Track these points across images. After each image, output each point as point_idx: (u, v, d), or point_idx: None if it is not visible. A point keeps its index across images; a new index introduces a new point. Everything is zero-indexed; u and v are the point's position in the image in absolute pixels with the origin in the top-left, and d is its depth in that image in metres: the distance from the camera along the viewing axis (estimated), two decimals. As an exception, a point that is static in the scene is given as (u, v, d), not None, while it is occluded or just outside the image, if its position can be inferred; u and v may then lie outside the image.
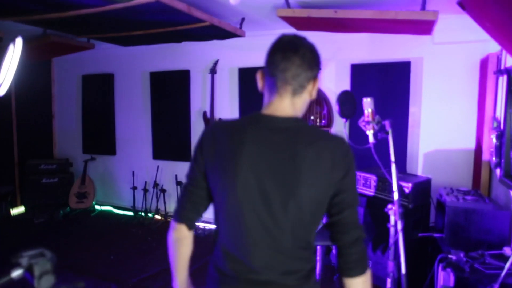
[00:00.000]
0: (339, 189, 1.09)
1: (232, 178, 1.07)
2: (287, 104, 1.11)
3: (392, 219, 1.89)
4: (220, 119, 4.68)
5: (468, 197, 2.68)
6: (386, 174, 2.12)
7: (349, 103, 2.03)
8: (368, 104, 1.94)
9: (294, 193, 1.05)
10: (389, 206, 1.86)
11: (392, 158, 1.92)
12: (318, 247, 2.71)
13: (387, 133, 1.90)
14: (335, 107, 4.18)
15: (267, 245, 1.09)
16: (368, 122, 1.92)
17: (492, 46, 3.31)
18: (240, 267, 1.12)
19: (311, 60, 1.10)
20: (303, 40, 1.13)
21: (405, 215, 3.08)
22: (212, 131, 1.16)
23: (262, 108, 1.16)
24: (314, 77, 1.13)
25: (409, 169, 3.80)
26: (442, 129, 3.69)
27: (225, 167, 1.09)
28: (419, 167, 3.79)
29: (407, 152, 3.79)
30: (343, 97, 2.01)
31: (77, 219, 5.10)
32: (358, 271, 1.14)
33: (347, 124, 4.02)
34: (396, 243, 1.90)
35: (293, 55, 1.08)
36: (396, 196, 1.86)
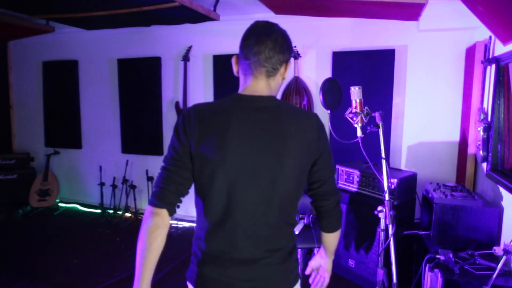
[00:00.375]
0: (317, 160, 1.19)
1: (222, 156, 1.10)
2: (263, 85, 1.17)
3: (382, 222, 1.69)
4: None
5: (457, 194, 2.54)
6: (374, 170, 1.92)
7: (334, 93, 1.81)
8: (356, 94, 1.72)
9: (282, 166, 1.11)
10: (379, 208, 1.66)
11: (383, 153, 1.71)
12: (299, 250, 2.51)
13: (377, 126, 1.69)
14: (317, 97, 4.02)
15: (254, 222, 1.13)
16: (356, 114, 1.70)
17: (479, 34, 3.16)
18: (224, 246, 1.13)
19: (283, 44, 1.16)
20: (275, 25, 1.19)
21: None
22: (195, 112, 1.16)
23: (238, 90, 1.20)
24: (286, 61, 1.19)
25: (392, 162, 3.65)
26: (426, 121, 3.55)
27: (213, 146, 1.10)
28: (402, 161, 3.64)
29: (390, 145, 3.63)
30: (328, 86, 1.79)
31: (38, 219, 4.71)
32: (337, 228, 1.32)
33: (328, 116, 3.89)
34: (387, 248, 1.70)
35: (266, 39, 1.13)
36: (387, 197, 1.66)
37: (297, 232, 2.50)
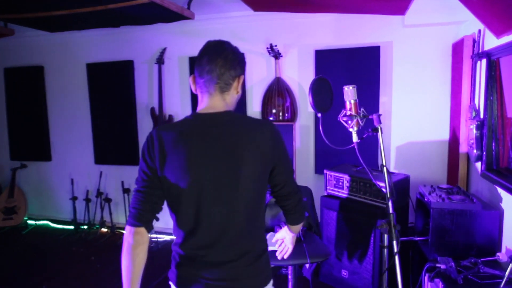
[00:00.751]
0: (275, 165, 1.28)
1: (185, 173, 1.20)
2: (218, 101, 1.27)
3: (385, 238, 1.50)
4: (170, 115, 4.12)
5: (454, 197, 2.39)
6: (372, 178, 1.73)
7: (325, 93, 1.62)
8: (350, 94, 1.53)
9: (240, 176, 1.20)
10: (380, 222, 1.47)
11: (383, 160, 1.53)
12: (290, 266, 2.31)
13: (375, 130, 1.50)
14: (300, 98, 3.84)
15: (222, 229, 1.22)
16: (351, 117, 1.51)
17: (466, 29, 3.05)
18: (197, 251, 1.24)
19: (233, 61, 1.25)
20: (226, 43, 1.29)
21: (383, 217, 2.76)
22: (157, 135, 1.24)
23: (197, 109, 1.30)
24: (238, 75, 1.28)
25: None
26: (414, 120, 3.42)
27: (176, 167, 1.20)
28: (391, 162, 3.50)
29: (378, 146, 3.47)
30: (317, 86, 1.59)
31: (4, 239, 4.33)
32: (300, 221, 1.48)
33: (314, 118, 3.68)
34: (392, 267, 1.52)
35: (217, 57, 1.23)
36: (390, 208, 1.47)
37: (287, 247, 2.29)
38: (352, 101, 1.53)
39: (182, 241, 1.27)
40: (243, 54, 1.33)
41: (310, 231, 2.62)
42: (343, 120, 1.53)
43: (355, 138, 1.56)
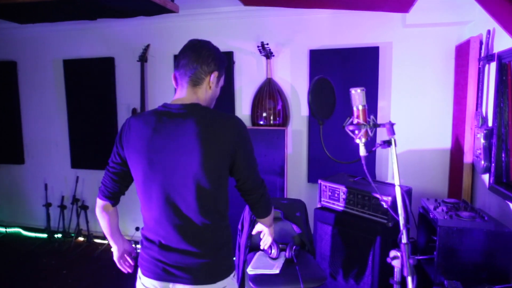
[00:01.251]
0: (236, 160, 1.32)
1: (142, 159, 1.29)
2: (188, 93, 1.34)
3: (397, 272, 1.25)
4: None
5: (462, 213, 2.16)
6: (379, 196, 1.48)
7: (327, 97, 1.37)
8: (357, 98, 1.28)
9: (192, 166, 1.25)
10: (392, 254, 1.22)
11: (397, 180, 1.28)
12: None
13: (388, 142, 1.25)
14: (293, 101, 3.58)
15: (178, 216, 1.30)
16: (358, 126, 1.26)
17: (471, 29, 2.85)
18: (159, 236, 1.33)
19: (207, 56, 1.32)
20: (205, 41, 1.37)
21: (383, 234, 2.53)
22: (128, 121, 1.36)
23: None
24: (211, 71, 1.34)
25: (378, 174, 3.28)
26: (415, 126, 3.20)
27: (138, 151, 1.30)
28: (389, 172, 3.27)
29: (376, 155, 3.26)
30: (318, 88, 1.34)
31: (-31, 249, 3.98)
32: (266, 214, 1.57)
33: (307, 123, 3.41)
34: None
35: (191, 52, 1.32)
36: (404, 238, 1.22)
37: (277, 271, 2.04)
38: (360, 107, 1.28)
39: (145, 225, 1.38)
40: (221, 53, 1.39)
41: (304, 249, 2.36)
42: (349, 130, 1.28)
43: (362, 152, 1.31)
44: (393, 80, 3.21)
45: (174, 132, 1.26)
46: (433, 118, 3.15)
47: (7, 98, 4.30)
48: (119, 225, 1.52)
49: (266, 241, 1.77)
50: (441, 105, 3.13)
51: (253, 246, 2.31)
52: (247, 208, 2.26)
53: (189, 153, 1.24)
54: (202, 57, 1.30)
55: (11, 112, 4.32)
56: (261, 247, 1.81)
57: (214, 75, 1.34)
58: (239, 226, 2.37)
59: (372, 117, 1.31)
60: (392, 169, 3.25)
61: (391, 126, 1.25)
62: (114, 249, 1.55)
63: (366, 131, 1.28)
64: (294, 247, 2.14)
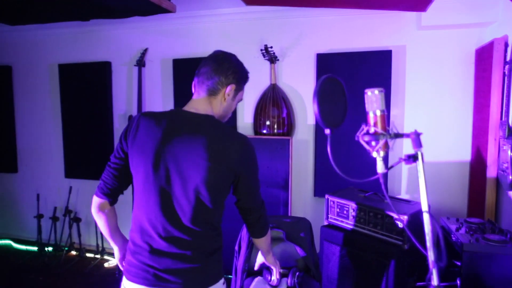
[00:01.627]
0: (239, 180, 1.32)
1: (147, 160, 1.25)
2: (204, 103, 1.34)
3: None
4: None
5: (490, 236, 1.90)
6: (391, 207, 1.24)
7: (337, 101, 1.14)
8: (375, 101, 1.04)
9: (196, 179, 1.23)
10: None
11: (425, 204, 1.03)
12: None
13: (414, 158, 1.01)
14: (298, 108, 3.35)
15: (172, 222, 1.27)
16: (375, 137, 1.02)
17: (493, 31, 2.60)
18: (150, 239, 1.29)
19: (228, 69, 1.33)
20: (228, 54, 1.39)
21: (398, 257, 2.27)
22: (138, 119, 1.31)
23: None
24: (229, 83, 1.34)
25: (391, 189, 3.01)
26: (430, 137, 2.91)
27: (143, 151, 1.26)
28: (402, 186, 3.01)
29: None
30: (326, 89, 1.11)
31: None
32: (261, 235, 1.53)
33: (314, 132, 3.16)
34: None
35: (212, 62, 1.34)
36: (435, 280, 0.97)
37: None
38: (378, 112, 1.04)
39: (135, 228, 1.32)
40: (244, 69, 1.41)
41: (308, 274, 2.10)
42: (364, 141, 1.05)
43: (380, 168, 1.07)
44: (406, 86, 2.97)
45: (184, 140, 1.24)
46: (451, 128, 2.89)
47: (1, 104, 4.14)
48: (118, 225, 1.46)
49: (274, 274, 1.74)
50: (459, 114, 2.87)
51: (251, 270, 2.06)
52: (244, 228, 2.02)
53: (195, 166, 1.23)
54: (222, 68, 1.31)
55: (5, 118, 4.16)
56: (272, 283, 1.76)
57: (231, 87, 1.34)
58: (236, 247, 2.12)
59: (393, 125, 1.07)
60: (405, 183, 3.00)
61: (417, 136, 1.01)
62: (116, 250, 1.50)
63: (386, 143, 1.04)
64: (297, 273, 1.88)
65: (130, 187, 1.43)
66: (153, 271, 1.27)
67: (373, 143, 1.03)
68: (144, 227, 1.29)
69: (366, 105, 1.05)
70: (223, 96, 1.34)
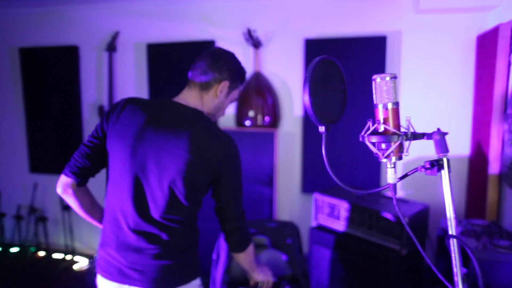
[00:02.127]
0: (219, 180, 1.25)
1: (125, 146, 1.20)
2: (194, 96, 1.30)
3: None
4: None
5: (499, 242, 1.70)
6: (398, 213, 1.01)
7: (333, 90, 0.89)
8: (385, 91, 0.78)
9: (170, 169, 1.18)
10: None
11: (452, 228, 0.79)
12: None
13: (439, 165, 0.77)
14: (284, 98, 3.09)
15: (142, 214, 1.21)
16: (386, 138, 0.77)
17: (497, 16, 2.39)
18: (119, 231, 1.23)
19: (222, 66, 1.30)
20: (226, 52, 1.35)
21: (395, 263, 2.06)
22: (124, 102, 1.26)
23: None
24: (222, 80, 1.30)
25: (383, 183, 2.80)
26: (426, 130, 2.72)
27: (123, 136, 1.21)
28: (398, 183, 2.79)
29: (381, 163, 2.78)
30: (320, 74, 0.85)
31: None
32: (238, 250, 1.36)
33: (301, 124, 2.91)
34: None
35: (208, 58, 1.30)
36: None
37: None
38: (390, 106, 0.79)
39: (106, 221, 1.27)
40: (241, 68, 1.35)
41: (296, 285, 1.87)
42: (371, 142, 0.80)
43: (391, 178, 0.83)
44: (402, 75, 2.75)
45: (168, 131, 1.19)
46: (449, 121, 2.68)
47: (-43, 92, 3.74)
48: (96, 203, 1.39)
49: (264, 286, 1.53)
50: (458, 106, 2.67)
51: (232, 281, 1.82)
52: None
53: (174, 156, 1.18)
54: (218, 64, 1.29)
55: (-38, 108, 3.76)
56: None
57: (224, 84, 1.30)
58: (214, 256, 1.87)
59: (409, 124, 0.83)
60: (404, 180, 2.78)
61: (442, 137, 0.76)
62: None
63: (400, 145, 0.79)
64: (285, 287, 1.65)
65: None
66: (118, 266, 1.21)
67: (384, 145, 0.78)
68: (116, 216, 1.23)
69: (374, 96, 0.80)
70: (215, 92, 1.30)
